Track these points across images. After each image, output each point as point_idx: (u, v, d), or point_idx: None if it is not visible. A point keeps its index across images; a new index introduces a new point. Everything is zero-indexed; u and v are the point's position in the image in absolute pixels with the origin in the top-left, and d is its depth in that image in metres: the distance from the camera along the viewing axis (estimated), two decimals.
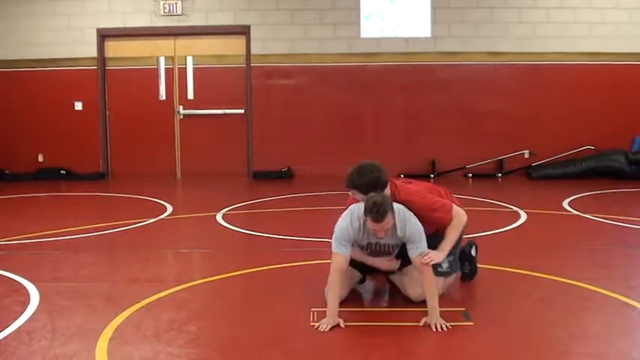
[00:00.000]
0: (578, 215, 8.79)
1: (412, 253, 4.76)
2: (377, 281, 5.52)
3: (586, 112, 12.65)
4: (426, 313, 4.60)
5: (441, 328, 4.49)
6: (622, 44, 12.60)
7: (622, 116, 12.58)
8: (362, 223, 4.76)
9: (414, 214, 4.85)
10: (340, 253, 4.76)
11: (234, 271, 6.03)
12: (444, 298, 4.94)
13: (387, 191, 4.96)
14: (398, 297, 5.16)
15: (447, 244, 5.01)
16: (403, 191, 5.06)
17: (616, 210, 8.99)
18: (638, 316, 4.86)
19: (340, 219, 4.87)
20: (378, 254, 5.01)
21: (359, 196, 4.88)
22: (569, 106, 12.69)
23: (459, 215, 5.12)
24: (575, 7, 12.62)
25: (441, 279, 5.07)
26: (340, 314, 4.61)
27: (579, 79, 12.67)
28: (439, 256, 4.90)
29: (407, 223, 4.76)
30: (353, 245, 4.86)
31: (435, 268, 4.94)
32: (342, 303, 4.79)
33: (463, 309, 4.86)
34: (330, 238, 4.92)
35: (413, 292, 4.99)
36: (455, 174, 12.77)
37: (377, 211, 4.55)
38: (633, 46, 12.61)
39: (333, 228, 4.90)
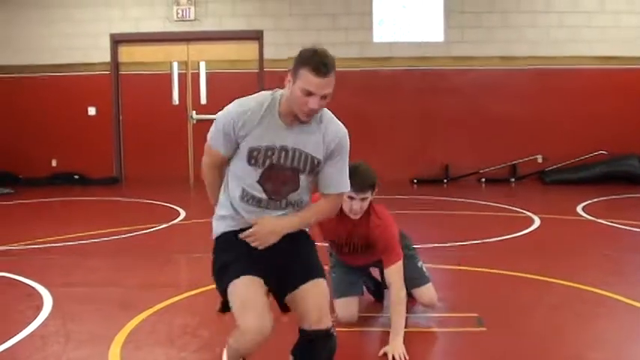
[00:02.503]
0: (592, 220, 8.75)
1: (326, 182, 3.37)
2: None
3: (599, 116, 12.60)
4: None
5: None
6: (635, 48, 12.55)
7: (635, 121, 12.53)
8: (267, 111, 3.23)
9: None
10: (215, 148, 3.30)
11: None
12: (457, 303, 4.92)
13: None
14: (410, 304, 5.13)
15: (400, 327, 4.24)
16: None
17: (630, 215, 8.94)
18: None
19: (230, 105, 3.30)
20: (281, 178, 3.28)
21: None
22: (582, 111, 12.65)
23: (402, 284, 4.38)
24: (589, 11, 12.59)
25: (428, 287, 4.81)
26: None
27: (592, 84, 12.62)
28: (399, 344, 4.16)
29: (333, 123, 3.36)
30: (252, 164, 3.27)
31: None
32: None
33: (476, 315, 4.83)
34: None
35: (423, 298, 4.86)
36: (468, 179, 12.74)
37: (321, 62, 3.05)
38: None
39: None
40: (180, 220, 9.09)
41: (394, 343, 4.15)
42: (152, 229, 8.43)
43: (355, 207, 4.31)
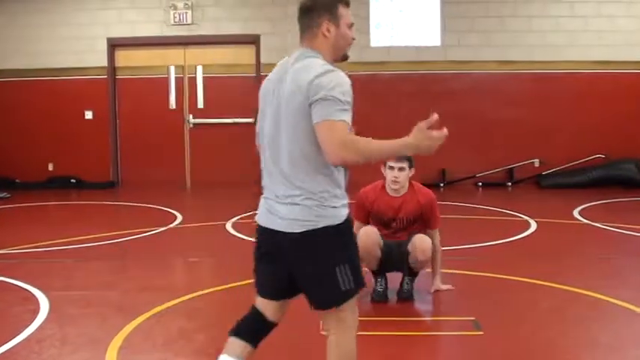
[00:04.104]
0: (588, 224, 8.76)
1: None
2: (389, 289, 5.51)
3: (596, 120, 12.60)
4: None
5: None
6: (632, 52, 12.56)
7: (632, 125, 12.53)
8: None
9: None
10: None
11: (243, 280, 6.01)
12: (454, 307, 4.93)
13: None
14: (408, 307, 5.15)
15: (439, 270, 5.50)
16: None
17: (627, 219, 8.94)
18: None
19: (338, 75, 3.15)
20: None
21: None
22: (579, 115, 12.65)
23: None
24: (585, 16, 12.61)
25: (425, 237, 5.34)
26: None
27: (589, 88, 12.63)
28: (441, 282, 5.51)
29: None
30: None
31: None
32: None
33: (473, 318, 4.84)
34: None
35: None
36: (465, 183, 12.74)
37: None
38: None
39: None
40: (177, 224, 9.08)
41: (438, 282, 5.43)
42: (149, 233, 8.42)
43: (395, 174, 5.21)
